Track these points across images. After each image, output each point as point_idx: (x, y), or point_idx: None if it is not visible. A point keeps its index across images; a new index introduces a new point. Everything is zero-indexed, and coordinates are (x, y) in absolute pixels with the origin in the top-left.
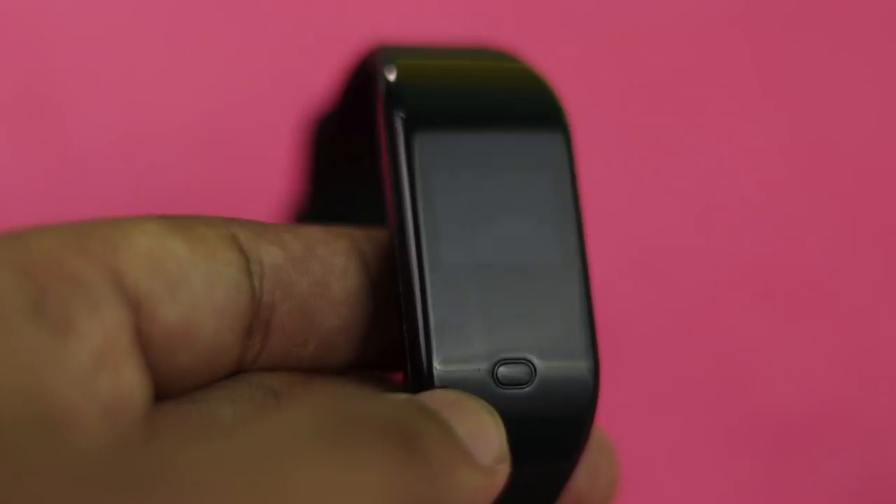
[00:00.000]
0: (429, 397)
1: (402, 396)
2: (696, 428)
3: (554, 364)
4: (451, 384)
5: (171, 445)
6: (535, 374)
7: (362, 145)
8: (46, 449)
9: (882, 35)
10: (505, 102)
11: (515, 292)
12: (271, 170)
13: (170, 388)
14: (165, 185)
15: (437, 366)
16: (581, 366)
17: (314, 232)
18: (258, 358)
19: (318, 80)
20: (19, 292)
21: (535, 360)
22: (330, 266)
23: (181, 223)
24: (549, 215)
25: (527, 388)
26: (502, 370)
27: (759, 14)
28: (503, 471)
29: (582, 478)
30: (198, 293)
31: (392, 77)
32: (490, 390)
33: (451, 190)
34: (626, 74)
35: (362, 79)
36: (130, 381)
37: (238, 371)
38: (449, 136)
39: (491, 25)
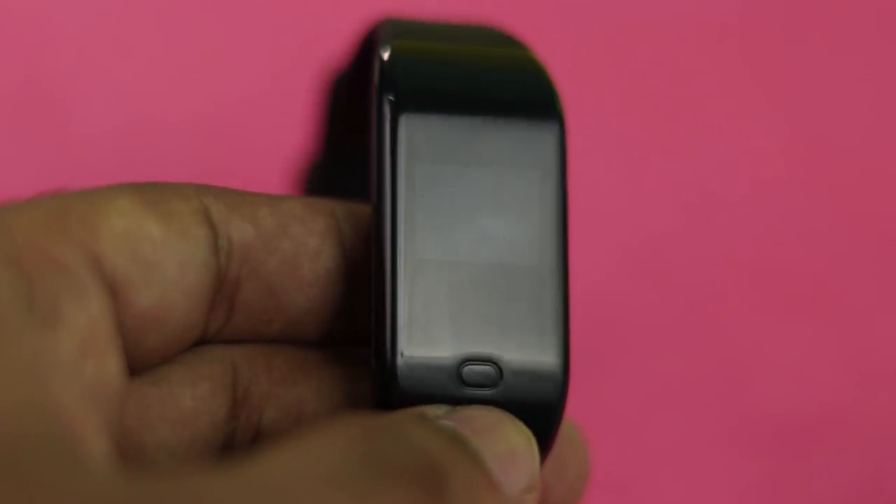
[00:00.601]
0: (466, 421)
1: (436, 426)
2: (696, 428)
3: (522, 368)
4: (415, 381)
5: (186, 479)
6: (502, 377)
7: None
8: (63, 473)
9: (882, 35)
10: (500, 90)
11: (489, 291)
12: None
13: (133, 367)
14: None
15: (401, 361)
16: (549, 372)
17: (293, 207)
18: (221, 331)
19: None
20: (12, 287)
21: (503, 363)
22: (303, 246)
23: (154, 197)
24: (533, 213)
25: (492, 391)
26: (468, 370)
27: (759, 13)
28: (530, 501)
29: (547, 469)
30: (170, 276)
31: (386, 56)
32: (455, 390)
33: (434, 180)
34: (625, 73)
35: (370, 51)
36: (112, 368)
37: (201, 342)
38: (437, 122)
39: (490, 22)
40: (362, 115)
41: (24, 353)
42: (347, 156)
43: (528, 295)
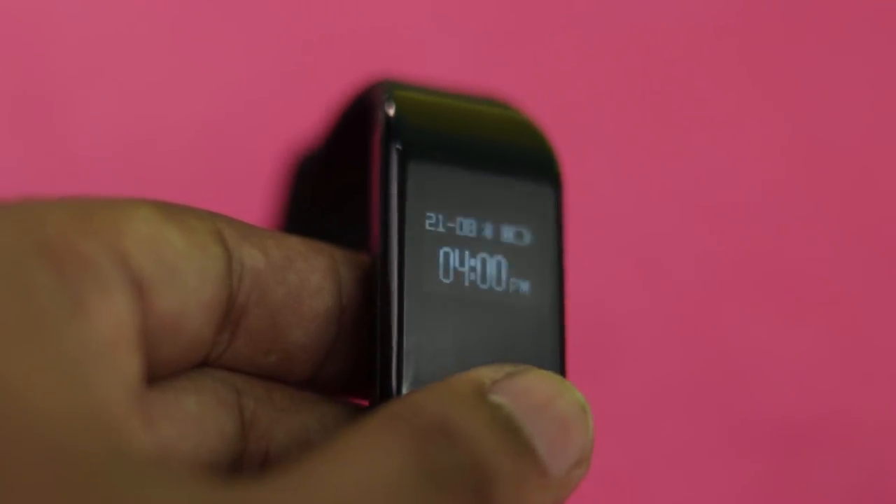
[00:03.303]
0: (522, 396)
1: (488, 410)
2: (696, 428)
3: None
4: None
5: (256, 491)
6: None
7: (345, 187)
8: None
9: (881, 35)
10: (501, 147)
11: (491, 329)
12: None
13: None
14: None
15: (406, 391)
16: None
17: (296, 244)
18: (221, 357)
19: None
20: (48, 278)
21: None
22: (306, 281)
23: (174, 212)
24: (532, 260)
25: None
26: None
27: (759, 15)
28: (577, 475)
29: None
30: (191, 285)
31: (392, 110)
32: None
33: (439, 224)
34: (626, 75)
35: (358, 111)
36: (135, 368)
37: (201, 365)
38: (443, 172)
39: (491, 28)
40: (330, 194)
41: (65, 346)
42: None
43: (529, 333)
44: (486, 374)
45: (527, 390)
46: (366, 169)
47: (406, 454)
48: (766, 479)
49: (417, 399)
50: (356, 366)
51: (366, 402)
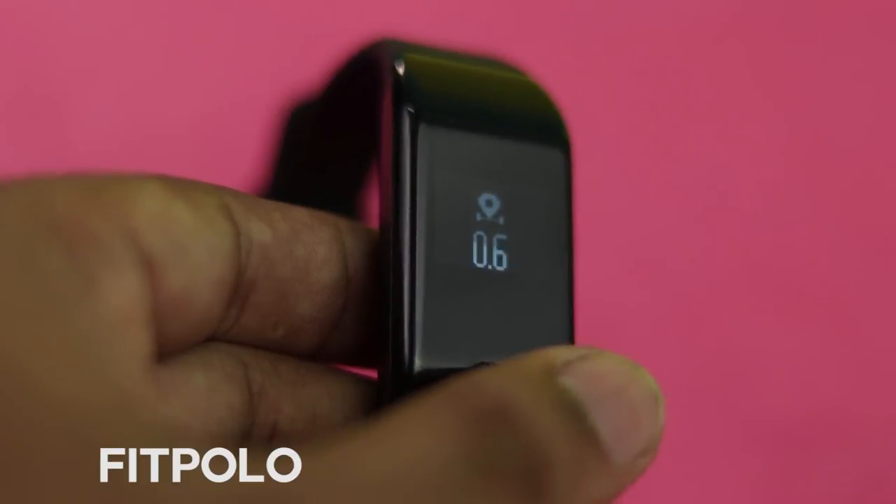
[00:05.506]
0: (594, 381)
1: (555, 394)
2: (698, 427)
3: None
4: (430, 381)
5: (301, 477)
6: None
7: (339, 151)
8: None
9: (881, 35)
10: (511, 112)
11: (503, 298)
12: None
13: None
14: None
15: (419, 361)
16: None
17: (301, 215)
18: (229, 332)
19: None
20: (59, 257)
21: None
22: (312, 253)
23: (180, 187)
24: (543, 227)
25: None
26: None
27: (758, 15)
28: (642, 464)
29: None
30: (200, 262)
31: (402, 70)
32: None
33: (451, 189)
34: (626, 76)
35: (358, 70)
36: (146, 347)
37: (208, 340)
38: (454, 136)
39: (491, 25)
40: (322, 156)
41: (78, 326)
42: (299, 189)
43: (539, 303)
44: (558, 354)
45: (599, 375)
46: (371, 132)
47: (457, 438)
48: (768, 477)
49: (482, 377)
50: (363, 336)
51: (373, 373)
